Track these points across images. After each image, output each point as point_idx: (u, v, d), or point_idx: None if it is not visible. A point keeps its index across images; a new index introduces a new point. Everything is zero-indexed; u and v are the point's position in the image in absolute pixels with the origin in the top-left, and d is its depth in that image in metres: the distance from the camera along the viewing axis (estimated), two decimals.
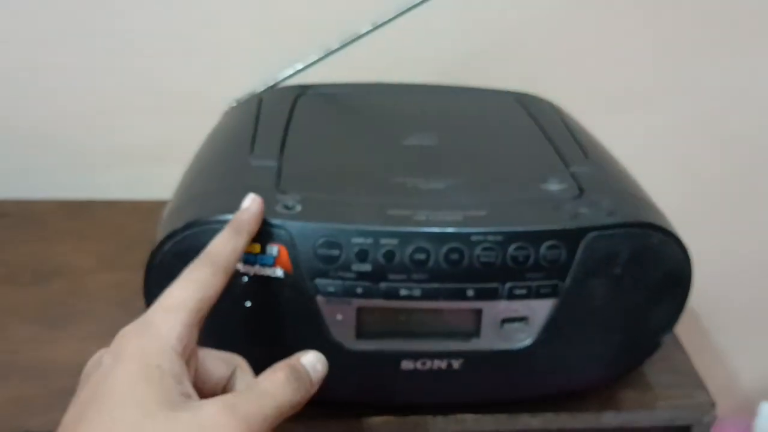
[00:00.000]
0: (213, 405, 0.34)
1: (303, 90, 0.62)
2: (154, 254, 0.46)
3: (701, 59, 0.81)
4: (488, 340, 0.47)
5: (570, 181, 0.51)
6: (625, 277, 0.47)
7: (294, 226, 0.45)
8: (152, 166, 0.74)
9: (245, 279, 0.45)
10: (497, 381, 0.49)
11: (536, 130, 0.59)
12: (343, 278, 0.45)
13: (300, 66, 0.62)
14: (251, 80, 0.63)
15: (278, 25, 0.74)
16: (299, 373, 0.39)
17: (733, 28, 0.80)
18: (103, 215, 0.69)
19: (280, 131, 0.55)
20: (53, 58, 0.73)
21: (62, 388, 0.50)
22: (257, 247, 0.45)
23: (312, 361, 0.40)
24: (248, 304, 0.46)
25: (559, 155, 0.54)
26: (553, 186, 0.50)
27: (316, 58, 0.62)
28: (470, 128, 0.60)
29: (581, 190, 0.50)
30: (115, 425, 0.32)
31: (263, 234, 0.44)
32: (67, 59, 0.73)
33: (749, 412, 0.93)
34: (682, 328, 0.54)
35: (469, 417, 0.51)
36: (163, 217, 0.48)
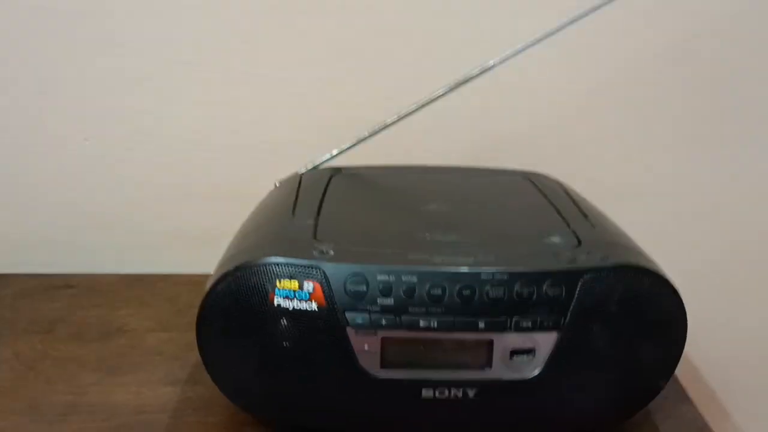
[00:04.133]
0: None
1: (337, 171, 0.72)
2: (208, 294, 0.54)
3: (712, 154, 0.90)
4: (500, 370, 0.53)
5: (570, 236, 0.58)
6: (620, 315, 0.53)
7: (327, 266, 0.52)
8: (205, 246, 0.82)
9: (284, 322, 0.53)
10: (509, 410, 0.54)
11: (541, 198, 0.66)
12: (369, 311, 0.52)
13: (335, 152, 0.72)
14: (294, 167, 0.73)
15: (317, 119, 0.85)
16: None
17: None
18: (159, 286, 0.78)
19: (317, 200, 0.64)
20: (124, 152, 0.84)
21: (120, 424, 0.57)
22: (296, 284, 0.52)
23: None
24: (286, 344, 0.53)
25: (561, 217, 0.62)
26: (555, 239, 0.57)
27: (349, 144, 0.72)
28: (482, 198, 0.68)
29: (580, 242, 0.57)
30: None
31: (301, 273, 0.52)
32: (135, 154, 0.84)
33: None
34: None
35: None
36: (216, 269, 0.56)
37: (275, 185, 0.72)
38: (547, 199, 0.66)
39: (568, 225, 0.60)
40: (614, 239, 0.58)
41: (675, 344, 0.56)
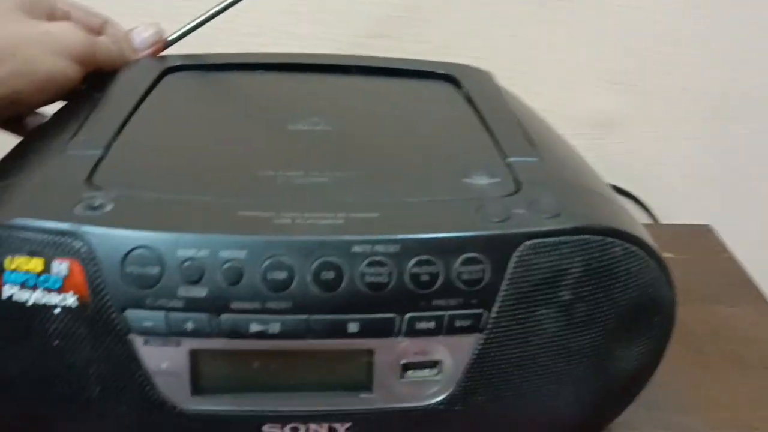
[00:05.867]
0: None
1: (170, 63, 0.49)
2: None
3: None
4: (385, 395, 0.33)
5: (504, 174, 0.37)
6: (578, 303, 0.34)
7: (94, 234, 0.31)
8: None
9: (58, 311, 0.32)
10: None
11: (464, 108, 0.45)
12: (166, 308, 0.31)
13: (181, 30, 0.49)
14: None
15: None
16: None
17: None
18: None
19: (124, 113, 0.41)
20: None
21: None
22: (39, 264, 0.31)
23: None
24: (34, 363, 0.32)
25: (495, 141, 0.41)
26: (479, 180, 0.37)
27: (202, 18, 0.49)
28: (378, 109, 0.46)
29: (518, 186, 0.36)
30: None
31: (49, 244, 0.31)
32: None
33: None
34: None
35: None
36: None
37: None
38: (473, 107, 0.45)
39: (504, 155, 0.39)
40: (572, 181, 0.38)
41: (658, 336, 0.37)
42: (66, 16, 0.46)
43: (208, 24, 0.49)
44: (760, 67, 0.70)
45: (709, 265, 0.60)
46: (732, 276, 0.58)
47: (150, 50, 0.49)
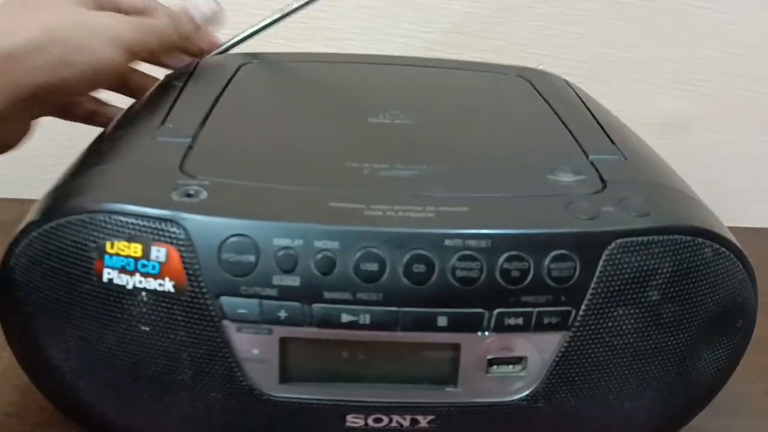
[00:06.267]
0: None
1: (250, 58, 0.49)
2: (6, 258, 0.33)
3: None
4: (469, 390, 0.33)
5: (589, 171, 0.37)
6: (665, 304, 0.33)
7: (192, 221, 0.31)
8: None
9: (144, 295, 0.32)
10: None
11: (546, 109, 0.45)
12: (260, 296, 0.31)
13: (251, 30, 0.50)
14: None
15: None
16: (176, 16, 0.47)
17: None
18: None
19: (208, 104, 0.42)
20: None
21: None
22: (138, 249, 0.31)
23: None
24: (146, 329, 0.33)
25: (576, 140, 0.41)
26: (566, 177, 0.37)
27: (271, 19, 0.49)
28: (460, 106, 0.46)
29: (604, 183, 0.36)
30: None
31: (147, 231, 0.31)
32: None
33: None
34: None
35: None
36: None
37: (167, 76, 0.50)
38: (553, 110, 0.45)
39: (586, 153, 0.39)
40: (657, 181, 0.38)
41: (739, 340, 0.36)
42: (115, 5, 0.46)
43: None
44: None
45: None
46: None
47: (213, 24, 0.49)
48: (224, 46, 0.50)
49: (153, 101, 0.43)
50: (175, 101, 0.42)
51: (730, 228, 0.43)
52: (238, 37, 0.50)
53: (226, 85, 0.45)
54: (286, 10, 0.49)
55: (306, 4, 0.49)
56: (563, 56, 0.63)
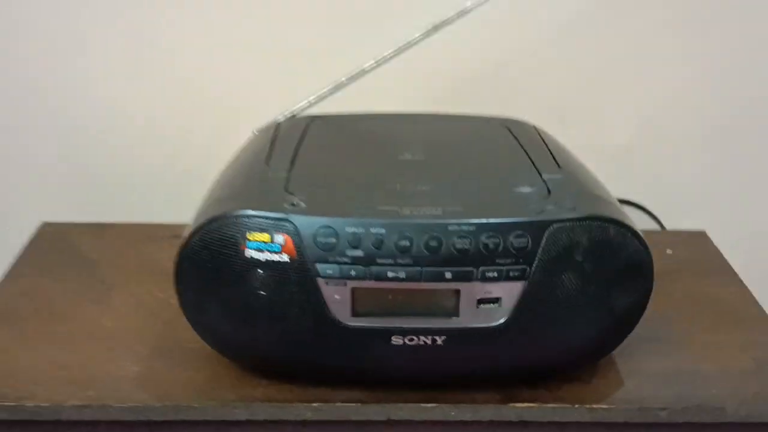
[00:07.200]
0: None
1: (315, 118, 0.72)
2: (184, 246, 0.55)
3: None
4: (467, 319, 0.54)
5: (541, 185, 0.59)
6: (586, 264, 0.54)
7: (297, 219, 0.53)
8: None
9: (261, 272, 0.54)
10: (477, 356, 0.56)
11: (516, 146, 0.67)
12: (339, 262, 0.53)
13: (313, 98, 0.72)
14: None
15: (295, 67, 0.85)
16: None
17: None
18: None
19: (292, 149, 0.64)
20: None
21: None
22: (267, 237, 0.53)
23: None
24: (263, 293, 0.54)
25: (534, 166, 0.62)
26: (525, 189, 0.58)
27: (326, 90, 0.72)
28: (457, 146, 0.69)
29: (549, 192, 0.57)
30: None
31: (272, 226, 0.53)
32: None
33: None
34: None
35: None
36: (192, 219, 0.57)
37: (253, 133, 0.72)
38: (521, 146, 0.67)
39: (540, 174, 0.61)
40: (584, 189, 0.59)
41: (642, 290, 0.57)
42: None
43: None
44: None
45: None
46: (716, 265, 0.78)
47: None
48: (296, 111, 0.72)
49: (255, 149, 0.66)
50: (271, 148, 0.64)
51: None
52: (304, 106, 0.72)
53: (302, 137, 0.67)
54: (334, 85, 0.71)
55: (342, 86, 0.71)
56: (538, 105, 0.85)
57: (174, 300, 0.57)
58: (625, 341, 0.59)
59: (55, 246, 0.79)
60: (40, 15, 0.86)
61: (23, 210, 0.90)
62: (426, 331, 0.55)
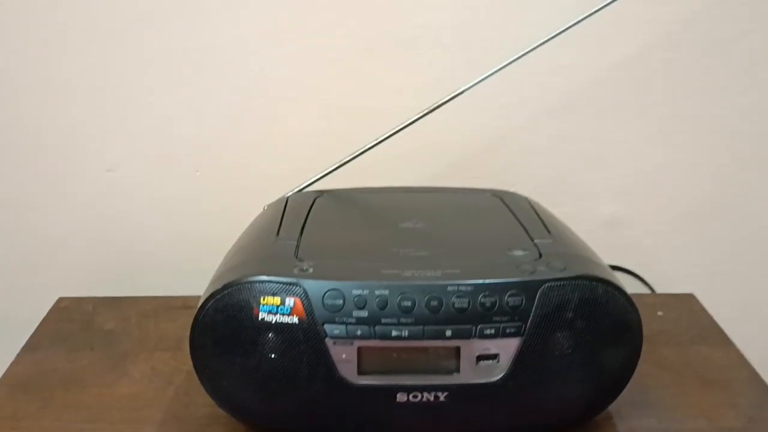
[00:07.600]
0: None
1: (321, 193, 0.77)
2: (199, 311, 0.59)
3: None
4: (467, 375, 0.57)
5: (533, 249, 0.63)
6: (577, 321, 0.58)
7: (307, 283, 0.57)
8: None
9: (269, 335, 0.57)
10: (478, 411, 0.59)
11: (509, 215, 0.71)
12: (346, 323, 0.56)
13: (319, 175, 0.77)
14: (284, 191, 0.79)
15: (299, 148, 0.92)
16: None
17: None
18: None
19: (301, 221, 0.69)
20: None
21: None
22: (278, 300, 0.57)
23: None
24: (273, 356, 0.58)
25: (526, 232, 0.67)
26: (518, 252, 0.62)
27: (331, 167, 0.77)
28: (454, 215, 0.74)
29: (541, 255, 0.61)
30: None
31: (283, 290, 0.57)
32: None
33: None
34: None
35: None
36: (207, 286, 0.61)
37: (264, 208, 0.77)
38: (514, 215, 0.71)
39: (532, 239, 0.65)
40: (573, 252, 0.63)
41: (632, 346, 0.60)
42: None
43: None
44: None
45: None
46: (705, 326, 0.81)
47: None
48: (303, 186, 0.77)
49: (265, 222, 0.70)
50: (281, 221, 0.68)
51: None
52: (310, 182, 0.77)
53: (309, 210, 0.72)
54: (338, 164, 0.77)
55: (346, 162, 0.76)
56: (530, 178, 0.90)
57: (185, 366, 0.60)
58: (619, 400, 0.62)
59: (71, 317, 0.83)
60: (66, 97, 0.93)
61: (37, 286, 0.95)
62: (429, 388, 0.58)
